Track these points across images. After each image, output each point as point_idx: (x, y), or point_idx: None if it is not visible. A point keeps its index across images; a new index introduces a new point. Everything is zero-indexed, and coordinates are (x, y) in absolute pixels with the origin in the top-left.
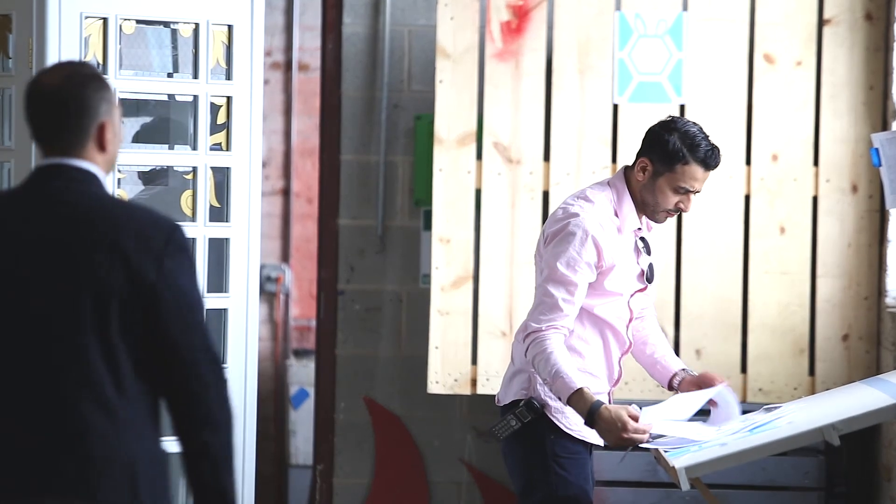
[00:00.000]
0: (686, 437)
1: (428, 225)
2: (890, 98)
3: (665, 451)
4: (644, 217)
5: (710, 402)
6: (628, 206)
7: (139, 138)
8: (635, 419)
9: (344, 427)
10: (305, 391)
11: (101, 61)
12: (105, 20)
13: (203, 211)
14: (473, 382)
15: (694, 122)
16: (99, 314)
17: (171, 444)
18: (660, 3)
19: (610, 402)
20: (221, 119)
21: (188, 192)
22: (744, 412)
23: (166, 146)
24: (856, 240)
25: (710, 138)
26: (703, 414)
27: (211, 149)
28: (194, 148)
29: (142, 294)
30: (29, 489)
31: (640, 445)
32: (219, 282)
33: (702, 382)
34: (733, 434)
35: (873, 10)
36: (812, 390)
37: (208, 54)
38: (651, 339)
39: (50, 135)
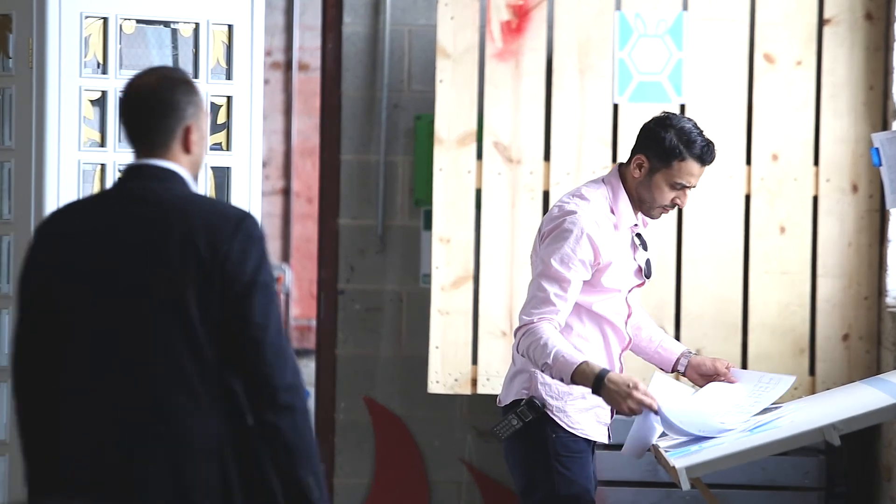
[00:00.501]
0: (698, 421)
1: (428, 225)
2: (890, 98)
3: (666, 451)
4: (640, 213)
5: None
6: (624, 202)
7: None
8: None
9: (344, 427)
10: (306, 391)
11: (101, 61)
12: (105, 20)
13: None
14: (474, 382)
15: (688, 118)
16: (179, 305)
17: None
18: (660, 2)
19: None
20: (221, 119)
21: None
22: None
23: None
24: (856, 240)
25: (704, 134)
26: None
27: (211, 149)
28: None
29: (215, 282)
30: (120, 474)
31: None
32: None
33: (706, 371)
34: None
35: (873, 9)
36: (812, 390)
37: (208, 54)
38: (643, 324)
39: (139, 135)
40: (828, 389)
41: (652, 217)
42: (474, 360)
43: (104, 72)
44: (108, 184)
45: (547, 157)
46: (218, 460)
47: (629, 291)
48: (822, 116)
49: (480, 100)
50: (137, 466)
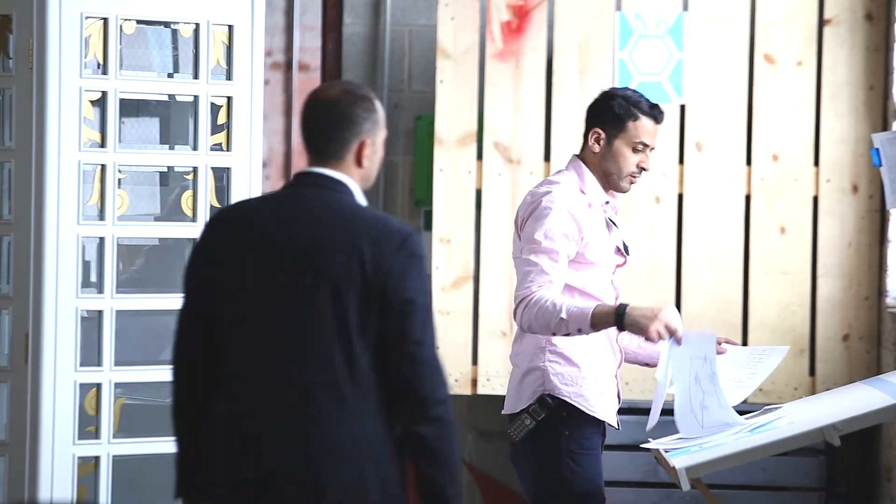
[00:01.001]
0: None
1: (428, 225)
2: (890, 98)
3: (665, 451)
4: (609, 191)
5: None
6: (591, 181)
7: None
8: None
9: None
10: None
11: (101, 62)
12: (105, 20)
13: (203, 211)
14: (474, 382)
15: (628, 87)
16: (339, 312)
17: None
18: (660, 3)
19: (617, 384)
20: (222, 119)
21: (188, 193)
22: (744, 412)
23: (167, 146)
24: (856, 240)
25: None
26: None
27: (211, 149)
28: (195, 148)
29: (375, 293)
30: (264, 468)
31: (642, 446)
32: None
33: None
34: (734, 434)
35: (873, 10)
36: (812, 390)
37: (208, 54)
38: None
39: (316, 143)
40: (828, 389)
41: (622, 190)
42: (474, 361)
43: (104, 72)
44: (109, 184)
45: (547, 157)
46: (358, 465)
47: (612, 272)
48: (823, 117)
49: (480, 100)
50: (285, 465)
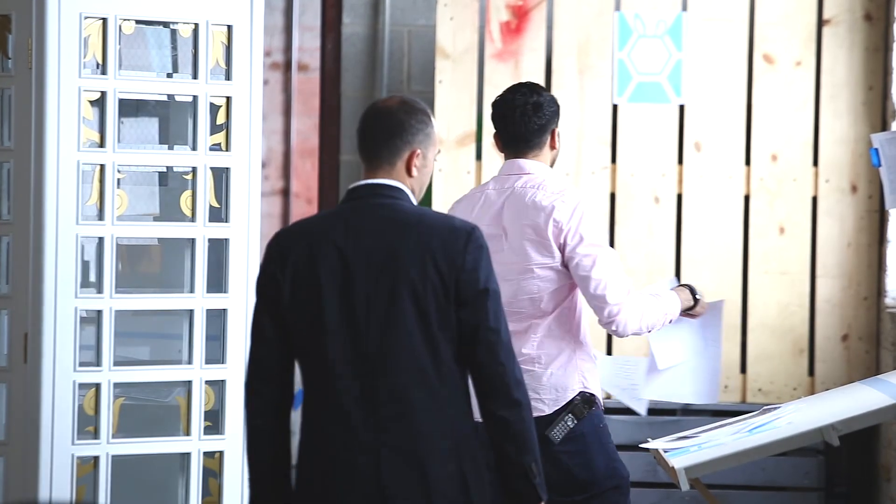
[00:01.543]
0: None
1: None
2: (890, 98)
3: (665, 452)
4: None
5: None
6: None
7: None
8: None
9: None
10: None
11: (100, 62)
12: (105, 20)
13: (202, 211)
14: None
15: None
16: (420, 310)
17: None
18: (659, 3)
19: None
20: (221, 119)
21: (187, 193)
22: (744, 412)
23: (166, 146)
24: (855, 240)
25: None
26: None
27: (210, 149)
28: (194, 148)
29: (450, 288)
30: (365, 464)
31: (641, 446)
32: (218, 282)
33: None
34: (733, 434)
35: (873, 10)
36: (812, 390)
37: (208, 54)
38: None
39: (369, 150)
40: (827, 389)
41: None
42: None
43: (103, 72)
44: (108, 184)
45: None
46: (454, 457)
47: None
48: (822, 117)
49: (480, 100)
50: (382, 461)
